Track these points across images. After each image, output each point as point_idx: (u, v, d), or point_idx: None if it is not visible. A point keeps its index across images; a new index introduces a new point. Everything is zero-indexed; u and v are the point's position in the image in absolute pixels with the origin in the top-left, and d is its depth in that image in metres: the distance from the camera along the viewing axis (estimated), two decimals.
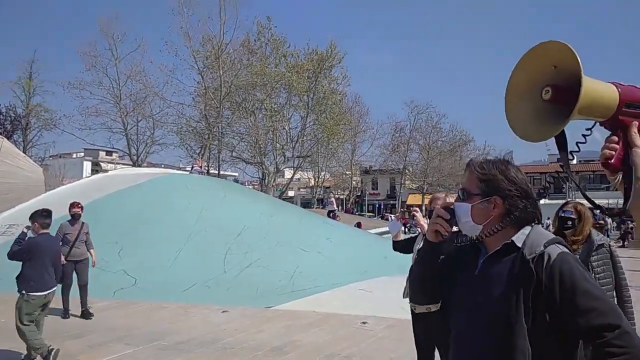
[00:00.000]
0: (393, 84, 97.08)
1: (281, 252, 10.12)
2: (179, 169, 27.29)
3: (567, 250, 1.52)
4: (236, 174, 40.46)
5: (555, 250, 1.49)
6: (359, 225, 23.90)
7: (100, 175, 17.90)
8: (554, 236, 1.57)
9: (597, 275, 3.64)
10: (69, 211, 7.36)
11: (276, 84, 27.33)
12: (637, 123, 1.17)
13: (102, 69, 28.44)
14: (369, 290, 8.84)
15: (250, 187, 36.29)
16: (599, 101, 1.14)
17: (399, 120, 43.22)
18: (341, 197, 53.17)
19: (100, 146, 32.14)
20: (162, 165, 29.74)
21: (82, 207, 7.46)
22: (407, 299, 3.87)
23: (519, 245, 1.53)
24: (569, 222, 3.62)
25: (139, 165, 27.44)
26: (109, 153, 42.97)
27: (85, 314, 7.05)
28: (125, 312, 7.56)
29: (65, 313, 7.08)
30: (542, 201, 1.65)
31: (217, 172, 28.74)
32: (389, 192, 52.26)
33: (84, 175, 30.56)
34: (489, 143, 41.35)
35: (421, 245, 3.70)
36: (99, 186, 12.31)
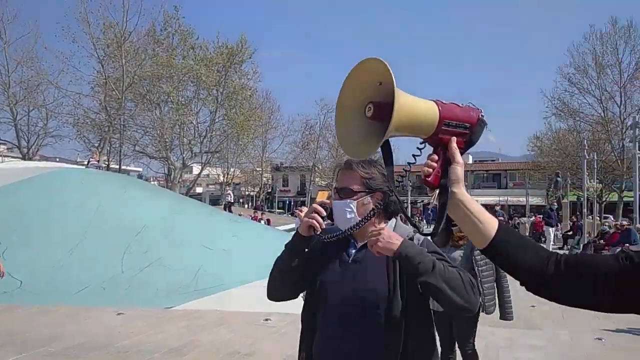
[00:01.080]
0: (305, 81, 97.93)
1: (184, 250, 9.82)
2: (76, 163, 25.54)
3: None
4: (140, 169, 38.66)
5: (421, 235, 1.78)
6: (268, 222, 23.88)
7: None
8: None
9: (480, 268, 3.92)
10: None
11: (184, 77, 26.35)
12: (455, 139, 1.18)
13: None
14: None
15: (155, 183, 34.94)
16: (418, 119, 1.12)
17: (309, 118, 43.60)
18: (251, 193, 52.75)
19: None
20: (57, 159, 27.62)
21: None
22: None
23: None
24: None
25: (30, 159, 25.24)
26: None
27: None
28: (8, 317, 6.96)
29: None
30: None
31: (118, 166, 27.26)
32: (299, 189, 52.71)
33: None
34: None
35: None
36: None
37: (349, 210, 1.76)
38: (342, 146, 1.24)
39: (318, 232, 1.74)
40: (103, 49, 25.87)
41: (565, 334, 6.50)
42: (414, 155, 1.23)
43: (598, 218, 23.63)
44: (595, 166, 24.61)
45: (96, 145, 27.09)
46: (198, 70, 25.63)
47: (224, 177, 43.45)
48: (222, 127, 29.43)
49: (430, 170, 1.18)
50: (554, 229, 18.86)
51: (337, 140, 1.31)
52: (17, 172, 12.00)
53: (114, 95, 25.52)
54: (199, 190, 46.25)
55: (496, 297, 4.11)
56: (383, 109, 1.10)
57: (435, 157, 1.18)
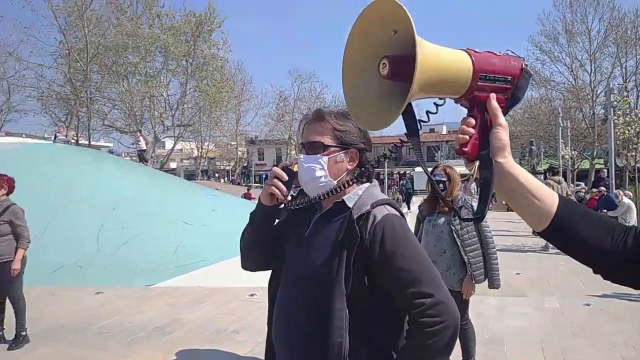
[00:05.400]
0: (276, 52, 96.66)
1: (162, 226, 9.53)
2: (44, 138, 24.58)
3: (395, 212, 1.46)
4: (111, 145, 37.60)
5: (382, 211, 1.43)
6: (246, 196, 23.52)
7: None
8: (384, 197, 1.50)
9: (462, 237, 3.77)
10: None
11: (150, 47, 25.43)
12: (495, 95, 0.92)
13: None
14: None
15: (127, 158, 34.04)
16: (447, 75, 0.87)
17: (283, 90, 43.03)
18: (227, 168, 52.10)
19: None
20: (23, 135, 26.56)
21: (9, 180, 5.04)
22: None
23: (350, 205, 1.45)
24: (441, 185, 3.71)
25: None
26: None
27: (17, 341, 4.80)
28: None
29: None
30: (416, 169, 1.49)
31: (87, 142, 26.36)
32: (275, 162, 52.31)
33: None
34: None
35: None
36: None
37: (320, 167, 1.45)
38: (353, 116, 0.97)
39: (281, 200, 1.50)
40: (64, 18, 24.68)
41: (553, 301, 6.51)
42: (427, 112, 0.92)
43: (572, 185, 24.06)
44: (569, 134, 24.97)
45: (63, 119, 26.08)
46: (165, 40, 24.73)
47: (198, 151, 42.71)
48: (193, 100, 28.74)
49: (467, 137, 0.92)
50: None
51: (347, 107, 1.00)
52: None
53: (79, 67, 24.48)
54: (172, 165, 45.40)
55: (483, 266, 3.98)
56: (402, 64, 0.85)
57: (472, 120, 0.92)
